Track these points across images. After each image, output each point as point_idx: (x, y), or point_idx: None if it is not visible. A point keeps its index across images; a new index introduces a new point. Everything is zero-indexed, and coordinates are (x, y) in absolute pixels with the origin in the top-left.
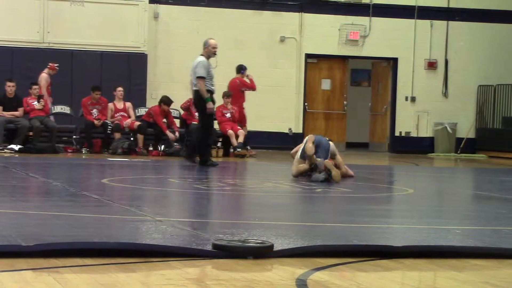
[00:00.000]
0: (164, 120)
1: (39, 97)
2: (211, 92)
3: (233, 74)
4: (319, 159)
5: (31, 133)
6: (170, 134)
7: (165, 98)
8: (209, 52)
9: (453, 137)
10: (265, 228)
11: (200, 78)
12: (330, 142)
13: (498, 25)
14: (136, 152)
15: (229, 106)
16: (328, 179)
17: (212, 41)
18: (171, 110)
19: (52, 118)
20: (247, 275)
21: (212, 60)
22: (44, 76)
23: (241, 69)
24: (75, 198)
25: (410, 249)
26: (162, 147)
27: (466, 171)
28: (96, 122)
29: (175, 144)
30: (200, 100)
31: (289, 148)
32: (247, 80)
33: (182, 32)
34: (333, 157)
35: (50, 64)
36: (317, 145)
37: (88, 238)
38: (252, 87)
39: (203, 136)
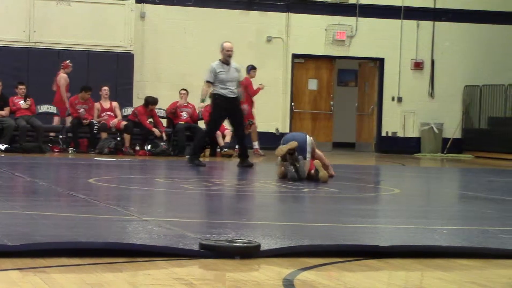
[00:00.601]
0: (151, 120)
1: (26, 97)
2: (220, 95)
3: None
4: (301, 160)
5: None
6: (156, 131)
7: (150, 99)
8: (224, 55)
9: (440, 137)
10: (252, 228)
11: (206, 82)
12: (309, 137)
13: (484, 26)
14: (122, 152)
15: None
16: (298, 174)
17: (225, 44)
18: (157, 110)
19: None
20: (234, 275)
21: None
22: (63, 76)
23: (247, 68)
24: (62, 198)
25: (397, 249)
26: (149, 146)
27: (452, 171)
28: (84, 121)
29: (162, 143)
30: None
31: (276, 148)
32: (254, 85)
33: (169, 32)
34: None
35: (63, 63)
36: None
37: (75, 238)
38: (251, 93)
39: (203, 135)
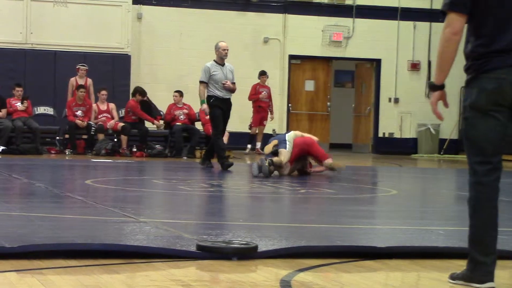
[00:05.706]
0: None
1: (23, 99)
2: (216, 97)
3: None
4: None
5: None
6: (156, 122)
7: (140, 88)
8: (220, 54)
9: (436, 138)
10: (249, 229)
11: (200, 82)
12: (292, 132)
13: None
14: (119, 153)
15: None
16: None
17: (221, 44)
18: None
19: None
20: (231, 276)
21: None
22: (90, 82)
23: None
24: (59, 200)
25: (393, 250)
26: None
27: (449, 172)
28: (80, 122)
29: (157, 145)
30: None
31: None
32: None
33: (166, 33)
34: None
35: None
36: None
37: (72, 239)
38: (250, 97)
39: (213, 139)
